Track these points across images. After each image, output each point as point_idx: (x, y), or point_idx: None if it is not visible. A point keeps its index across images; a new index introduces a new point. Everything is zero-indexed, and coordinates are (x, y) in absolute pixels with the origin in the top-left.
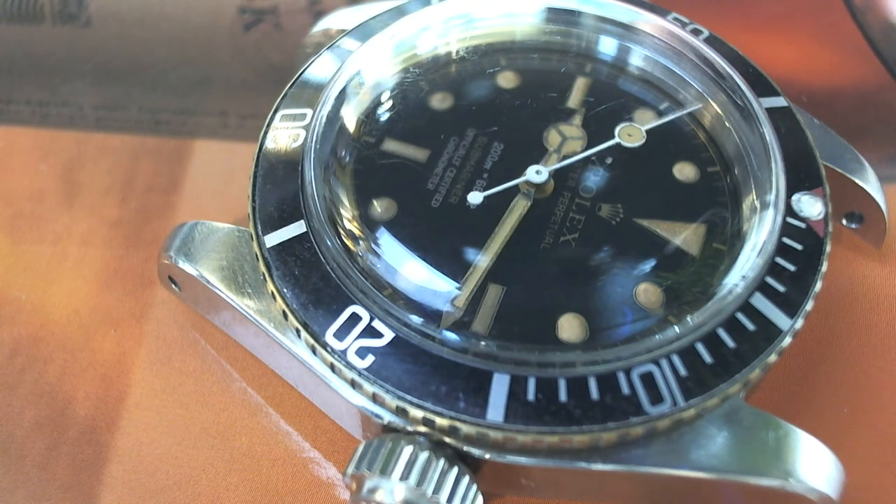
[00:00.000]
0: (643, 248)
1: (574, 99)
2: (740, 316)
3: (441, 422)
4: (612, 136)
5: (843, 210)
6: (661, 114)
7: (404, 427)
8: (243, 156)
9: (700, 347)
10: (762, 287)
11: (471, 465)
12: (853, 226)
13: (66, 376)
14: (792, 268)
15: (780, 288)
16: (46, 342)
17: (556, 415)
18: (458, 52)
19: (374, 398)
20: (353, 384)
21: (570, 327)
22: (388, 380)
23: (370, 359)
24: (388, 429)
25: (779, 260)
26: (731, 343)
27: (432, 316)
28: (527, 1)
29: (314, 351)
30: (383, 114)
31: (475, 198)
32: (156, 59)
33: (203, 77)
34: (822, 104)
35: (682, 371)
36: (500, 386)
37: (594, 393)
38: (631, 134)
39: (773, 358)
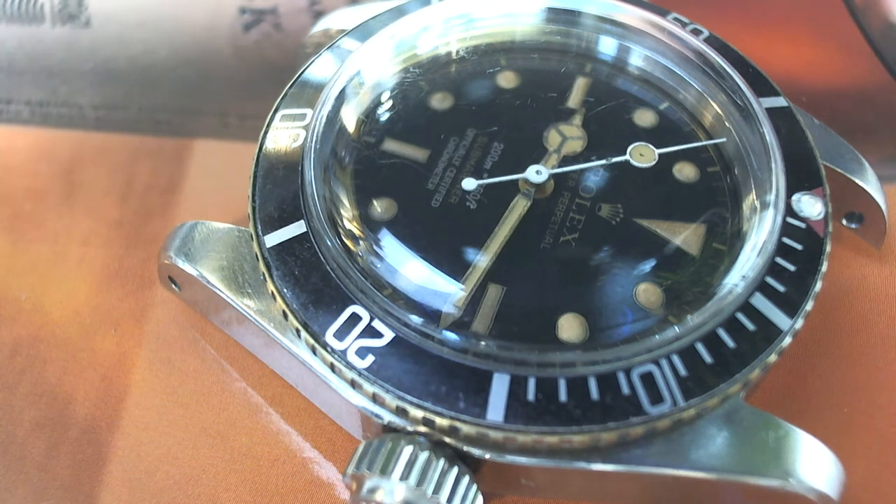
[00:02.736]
0: (643, 248)
1: (574, 99)
2: (740, 316)
3: (441, 422)
4: (616, 143)
5: (843, 210)
6: (660, 114)
7: (404, 427)
8: (243, 156)
9: (700, 347)
10: (762, 287)
11: (471, 465)
12: (853, 226)
13: (66, 376)
14: (792, 268)
15: (780, 288)
16: (46, 342)
17: (556, 415)
18: (458, 52)
19: (374, 398)
20: (353, 384)
21: (570, 327)
22: (388, 380)
23: (370, 359)
24: (388, 429)
25: (779, 260)
26: (731, 343)
27: (432, 316)
28: (527, 1)
29: (314, 351)
30: (383, 114)
31: (469, 184)
32: (156, 59)
33: (203, 77)
34: (823, 104)
35: (682, 371)
36: (500, 386)
37: (594, 393)
38: (643, 154)
39: (773, 358)
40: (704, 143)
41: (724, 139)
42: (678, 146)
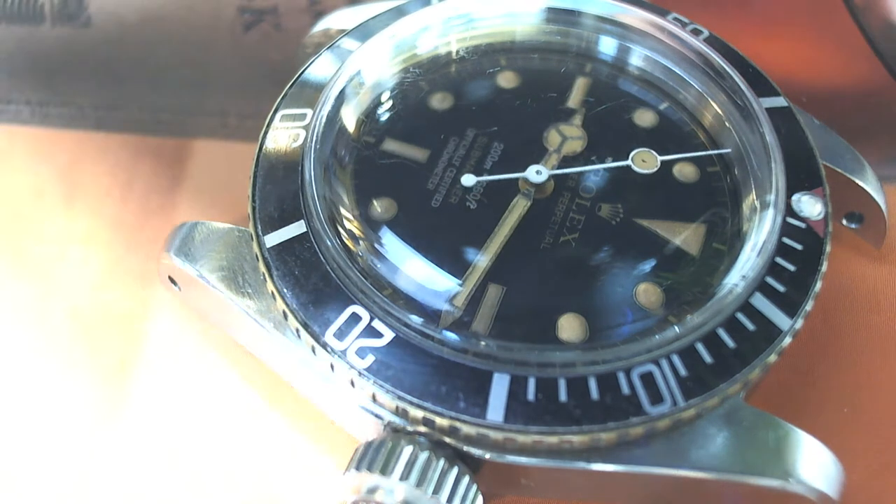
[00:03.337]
0: (643, 248)
1: (574, 99)
2: (740, 316)
3: (441, 422)
4: (616, 144)
5: (843, 210)
6: (660, 114)
7: (404, 427)
8: (243, 156)
9: (700, 347)
10: (762, 287)
11: (471, 465)
12: (853, 226)
13: (67, 377)
14: (792, 268)
15: (780, 288)
16: (47, 342)
17: (556, 415)
18: (458, 52)
19: (374, 398)
20: (352, 384)
21: (570, 327)
22: (387, 380)
23: (370, 359)
24: (388, 429)
25: (779, 260)
26: (731, 343)
27: (432, 316)
28: (527, 1)
29: (314, 351)
30: (383, 114)
31: (468, 180)
32: (156, 59)
33: (203, 77)
34: (823, 104)
35: (682, 371)
36: (500, 386)
37: (594, 393)
38: (645, 160)
39: (773, 358)
40: (710, 152)
41: (729, 150)
42: (681, 154)
